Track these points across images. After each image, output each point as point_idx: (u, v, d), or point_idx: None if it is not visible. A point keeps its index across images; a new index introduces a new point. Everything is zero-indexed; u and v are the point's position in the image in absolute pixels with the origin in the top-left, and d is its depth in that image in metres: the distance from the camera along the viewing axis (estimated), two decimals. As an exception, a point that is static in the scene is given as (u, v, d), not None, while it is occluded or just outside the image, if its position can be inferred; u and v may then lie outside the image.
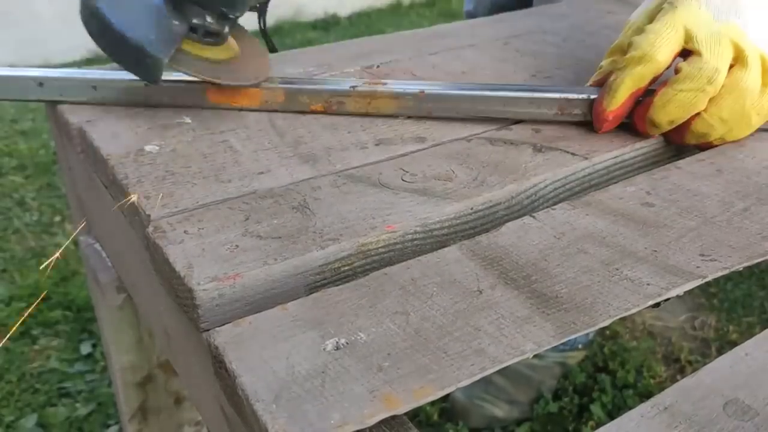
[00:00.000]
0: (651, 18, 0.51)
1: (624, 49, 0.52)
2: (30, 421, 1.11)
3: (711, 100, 0.48)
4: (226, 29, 0.52)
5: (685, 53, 0.49)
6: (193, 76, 0.51)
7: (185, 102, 0.55)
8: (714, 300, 1.40)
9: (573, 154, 0.50)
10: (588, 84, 0.54)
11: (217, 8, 0.50)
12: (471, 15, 1.12)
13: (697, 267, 0.38)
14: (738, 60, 0.48)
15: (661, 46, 0.48)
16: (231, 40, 0.55)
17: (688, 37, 0.48)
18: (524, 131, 0.53)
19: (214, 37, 0.52)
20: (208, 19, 0.50)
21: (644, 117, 0.50)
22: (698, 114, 0.49)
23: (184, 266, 0.37)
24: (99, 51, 0.49)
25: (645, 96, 0.50)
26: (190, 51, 0.51)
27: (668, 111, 0.49)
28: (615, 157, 0.51)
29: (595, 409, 1.14)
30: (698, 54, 0.47)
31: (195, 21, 0.50)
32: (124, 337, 0.70)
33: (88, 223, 0.68)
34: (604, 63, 0.54)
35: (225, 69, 0.53)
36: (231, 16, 0.51)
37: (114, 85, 0.55)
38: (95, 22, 0.49)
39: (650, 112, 0.49)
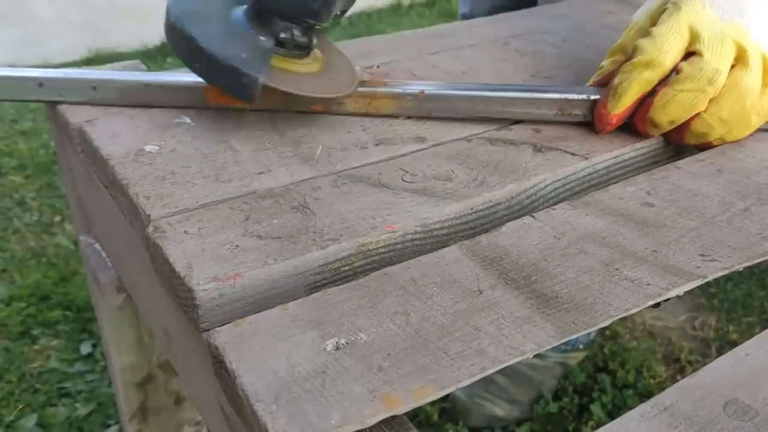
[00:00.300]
0: (654, 19, 0.51)
1: (626, 50, 0.52)
2: (30, 421, 1.11)
3: (711, 100, 0.48)
4: (315, 41, 0.51)
5: (688, 53, 0.49)
6: (290, 91, 0.50)
7: (185, 102, 0.55)
8: (714, 300, 1.40)
9: (573, 154, 0.50)
10: (588, 84, 0.54)
11: (303, 20, 0.49)
12: (467, 17, 1.12)
13: (697, 267, 0.38)
14: (739, 60, 0.48)
15: (668, 51, 0.48)
16: (316, 52, 0.54)
17: (693, 39, 0.48)
18: (524, 131, 0.53)
19: (303, 50, 0.51)
20: (295, 32, 0.50)
21: (644, 117, 0.50)
22: (698, 114, 0.49)
23: (184, 266, 0.37)
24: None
25: (646, 96, 0.50)
26: (280, 66, 0.50)
27: (668, 111, 0.49)
28: (615, 157, 0.51)
29: (595, 409, 1.14)
30: (700, 54, 0.47)
31: (283, 35, 0.49)
32: (124, 337, 0.70)
33: (88, 223, 0.68)
34: (605, 63, 0.54)
35: (315, 81, 0.52)
36: (317, 27, 0.50)
37: (113, 85, 0.55)
38: (185, 45, 0.48)
39: (650, 113, 0.49)
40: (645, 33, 0.50)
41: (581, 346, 1.19)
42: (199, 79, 0.55)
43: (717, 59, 0.47)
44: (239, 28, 0.50)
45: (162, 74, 0.57)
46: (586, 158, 0.50)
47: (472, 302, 0.35)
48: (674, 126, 0.50)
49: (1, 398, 1.16)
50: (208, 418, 0.44)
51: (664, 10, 0.50)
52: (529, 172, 0.48)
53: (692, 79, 0.47)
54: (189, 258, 0.38)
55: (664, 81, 0.49)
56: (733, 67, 0.48)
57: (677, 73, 0.48)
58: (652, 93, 0.50)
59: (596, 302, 0.35)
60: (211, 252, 0.39)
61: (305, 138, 0.52)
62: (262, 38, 0.50)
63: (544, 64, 0.67)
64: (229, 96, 0.50)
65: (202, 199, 0.44)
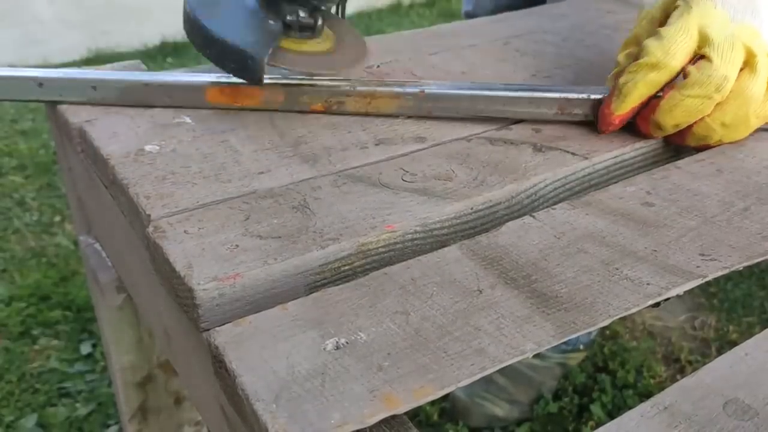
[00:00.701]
0: (666, 10, 0.50)
1: (640, 41, 0.51)
2: (30, 421, 1.11)
3: (716, 105, 0.48)
4: (320, 21, 0.54)
5: (697, 55, 0.48)
6: (293, 71, 0.53)
7: (185, 102, 0.55)
8: (714, 300, 1.40)
9: (573, 153, 0.50)
10: (607, 82, 0.54)
11: (308, 2, 0.52)
12: (470, 15, 1.12)
13: (698, 267, 0.38)
14: (748, 64, 0.47)
15: (676, 53, 0.47)
16: (327, 31, 0.56)
17: (703, 41, 0.47)
18: (524, 131, 0.53)
19: (310, 31, 0.54)
20: (301, 13, 0.52)
21: (648, 119, 0.50)
22: (702, 118, 0.49)
23: (184, 266, 0.37)
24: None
25: (651, 98, 0.50)
26: (291, 47, 0.53)
27: (674, 115, 0.48)
28: (615, 157, 0.51)
29: (595, 409, 1.14)
30: (709, 59, 0.47)
31: (289, 17, 0.52)
32: (125, 337, 0.70)
33: (88, 223, 0.68)
34: (620, 57, 0.53)
35: (324, 60, 0.54)
36: (323, 8, 0.53)
37: (113, 85, 0.55)
38: (197, 34, 0.51)
39: (656, 115, 0.49)
40: (654, 33, 0.49)
41: (581, 347, 1.19)
42: (200, 79, 0.55)
43: (726, 65, 0.46)
44: (251, 14, 0.52)
45: (162, 74, 0.57)
46: (586, 158, 0.50)
47: (472, 302, 0.35)
48: (678, 129, 0.50)
49: (1, 398, 1.16)
50: (208, 417, 0.44)
51: (676, 7, 0.49)
52: (529, 171, 0.48)
53: (700, 85, 0.47)
54: (189, 258, 0.38)
55: (670, 83, 0.49)
56: (741, 70, 0.48)
57: (685, 77, 0.48)
58: (657, 95, 0.49)
59: (596, 301, 0.35)
60: (211, 252, 0.39)
61: (305, 138, 0.52)
62: (271, 22, 0.52)
63: (544, 64, 0.67)
64: (238, 77, 0.52)
65: (202, 199, 0.44)
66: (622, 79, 0.49)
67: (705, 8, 0.48)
